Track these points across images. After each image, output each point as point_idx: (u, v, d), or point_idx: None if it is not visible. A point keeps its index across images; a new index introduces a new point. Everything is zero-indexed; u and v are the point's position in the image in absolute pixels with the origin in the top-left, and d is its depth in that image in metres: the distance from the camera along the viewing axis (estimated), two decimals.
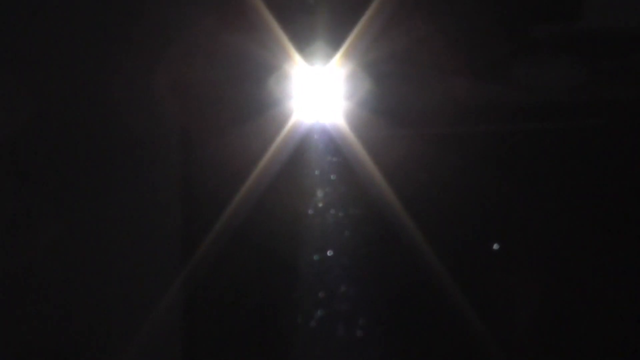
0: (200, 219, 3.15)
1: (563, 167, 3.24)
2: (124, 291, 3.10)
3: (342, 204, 3.20)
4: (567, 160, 3.27)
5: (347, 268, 3.15)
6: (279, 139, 3.27)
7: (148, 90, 3.09)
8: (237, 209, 3.21)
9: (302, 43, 3.23)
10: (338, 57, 3.28)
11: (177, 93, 3.16)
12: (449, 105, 3.19)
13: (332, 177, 3.24)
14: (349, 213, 3.21)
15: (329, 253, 3.16)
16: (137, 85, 3.07)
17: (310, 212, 3.23)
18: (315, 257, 3.16)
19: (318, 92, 3.31)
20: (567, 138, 3.28)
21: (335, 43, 3.25)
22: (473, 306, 2.97)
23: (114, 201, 3.11)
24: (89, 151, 3.09)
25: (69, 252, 3.08)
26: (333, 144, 3.27)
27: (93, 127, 3.08)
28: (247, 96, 3.21)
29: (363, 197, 3.18)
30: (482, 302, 2.98)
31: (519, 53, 3.33)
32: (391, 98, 3.21)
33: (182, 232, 3.14)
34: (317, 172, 3.27)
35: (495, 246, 3.12)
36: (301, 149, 3.26)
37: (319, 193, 3.24)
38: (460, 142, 3.20)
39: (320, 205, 3.23)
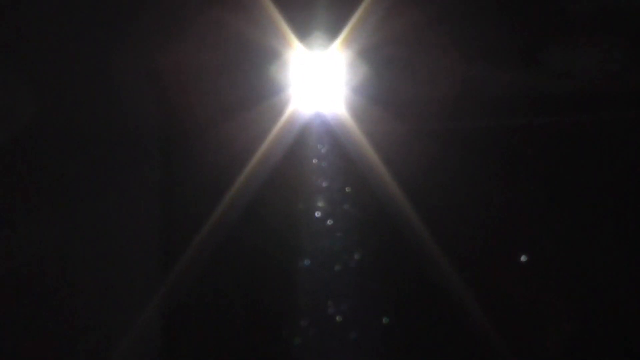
0: (182, 225, 3.05)
1: (599, 166, 3.07)
2: (100, 300, 3.00)
3: (344, 205, 3.10)
4: (604, 158, 3.09)
5: (346, 273, 3.06)
6: (275, 132, 3.12)
7: (126, 81, 2.98)
8: (224, 213, 3.08)
9: (300, 26, 3.09)
10: (339, 41, 3.11)
11: (159, 82, 3.05)
12: (465, 96, 3.01)
13: (333, 175, 3.14)
14: (352, 215, 3.11)
15: (324, 259, 3.09)
16: (115, 76, 3.01)
17: (308, 214, 3.12)
18: (308, 263, 3.07)
19: (318, 81, 3.17)
20: (604, 132, 3.09)
21: (336, 26, 3.09)
22: (481, 305, 2.90)
23: (91, 206, 3.04)
24: (60, 152, 3.01)
25: (47, 257, 3.00)
26: (334, 138, 3.15)
27: (69, 125, 3.02)
28: (239, 86, 3.09)
29: (367, 198, 3.07)
30: (492, 302, 2.90)
31: (549, 34, 3.12)
32: (398, 89, 3.06)
33: (162, 239, 3.05)
34: (316, 171, 3.16)
35: (523, 258, 2.97)
36: (299, 144, 3.13)
37: (318, 194, 3.14)
38: (476, 138, 3.05)
39: (319, 206, 3.12)
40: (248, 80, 3.09)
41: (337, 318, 3.01)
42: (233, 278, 3.10)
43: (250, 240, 3.08)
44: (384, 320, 2.96)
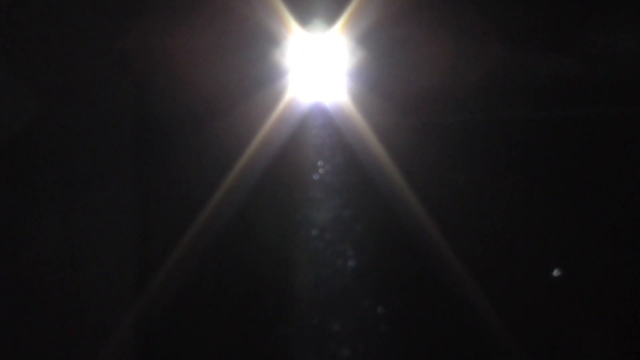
0: (162, 231, 2.90)
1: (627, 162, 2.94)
2: (73, 312, 2.88)
3: (345, 203, 2.95)
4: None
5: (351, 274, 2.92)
6: (270, 125, 2.96)
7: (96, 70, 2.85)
8: (211, 217, 2.92)
9: (298, 7, 2.95)
10: (341, 24, 2.96)
11: (134, 70, 2.91)
12: (480, 86, 2.87)
13: (334, 171, 2.98)
14: (353, 216, 2.95)
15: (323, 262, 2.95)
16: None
17: (305, 215, 2.97)
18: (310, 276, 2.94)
19: (317, 68, 3.02)
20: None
21: (337, 7, 2.94)
22: (491, 305, 2.81)
23: (60, 213, 2.90)
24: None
25: (15, 268, 2.88)
26: (335, 131, 2.99)
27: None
28: (230, 74, 2.95)
29: (371, 195, 2.92)
30: (502, 301, 2.80)
31: (585, 15, 2.94)
32: (404, 77, 2.91)
33: (140, 246, 2.91)
34: (314, 167, 3.01)
35: (556, 272, 2.89)
36: (296, 138, 2.98)
37: (317, 192, 2.98)
38: (486, 131, 2.91)
39: (318, 206, 2.97)
40: (240, 67, 2.96)
41: (336, 326, 2.91)
42: (225, 283, 2.98)
43: (241, 245, 2.96)
44: (379, 309, 2.86)
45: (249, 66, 2.97)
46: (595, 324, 2.85)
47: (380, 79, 2.94)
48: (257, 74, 2.97)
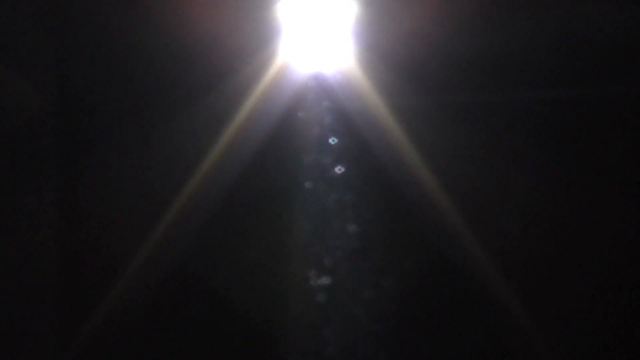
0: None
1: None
2: None
3: (347, 195, 2.76)
4: None
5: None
6: (259, 100, 2.69)
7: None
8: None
9: None
10: None
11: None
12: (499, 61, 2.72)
13: (335, 154, 2.76)
14: (357, 204, 2.76)
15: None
16: None
17: (302, 204, 2.76)
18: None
19: (314, 26, 2.76)
20: None
21: None
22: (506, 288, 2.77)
23: None
24: None
25: None
26: (336, 106, 2.75)
27: None
28: (196, 33, 2.64)
29: (379, 182, 2.75)
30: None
31: None
32: (417, 46, 2.67)
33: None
34: (312, 148, 2.76)
35: None
36: (290, 115, 2.73)
37: (314, 178, 2.75)
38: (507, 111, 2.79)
39: (315, 194, 2.75)
40: (210, 26, 2.67)
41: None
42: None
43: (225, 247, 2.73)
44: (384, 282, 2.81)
45: (224, 25, 2.69)
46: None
47: (391, 41, 2.70)
48: (236, 36, 2.70)
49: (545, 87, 2.84)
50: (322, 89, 2.78)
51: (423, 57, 2.71)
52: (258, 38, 2.73)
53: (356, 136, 2.75)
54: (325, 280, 2.81)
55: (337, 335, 2.82)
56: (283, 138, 2.75)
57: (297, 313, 2.79)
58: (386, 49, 2.73)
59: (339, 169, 2.79)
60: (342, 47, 2.78)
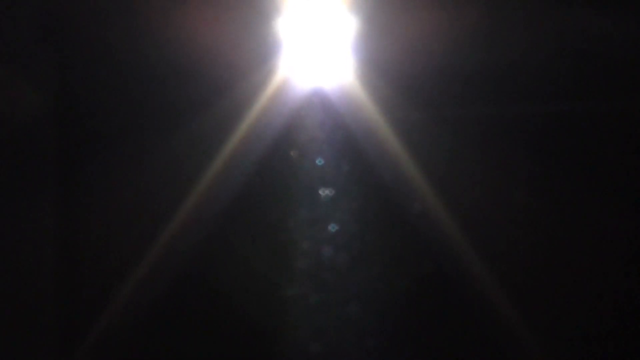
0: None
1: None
2: None
3: (347, 210, 2.77)
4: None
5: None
6: (258, 116, 2.70)
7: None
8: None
9: None
10: None
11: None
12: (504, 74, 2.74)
13: (335, 172, 2.78)
14: (357, 220, 2.78)
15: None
16: None
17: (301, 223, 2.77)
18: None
19: (315, 42, 2.77)
20: None
21: None
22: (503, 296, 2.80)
23: None
24: None
25: None
26: (337, 122, 2.77)
27: None
28: (199, 49, 2.65)
29: (378, 198, 2.78)
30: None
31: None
32: (419, 62, 2.69)
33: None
34: (312, 165, 2.77)
35: None
36: (291, 131, 2.75)
37: (313, 196, 2.77)
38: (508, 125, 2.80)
39: (315, 210, 2.77)
40: (211, 42, 2.67)
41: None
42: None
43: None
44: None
45: (224, 40, 2.69)
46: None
47: (390, 56, 2.71)
48: (236, 51, 2.70)
49: (543, 101, 2.86)
50: (322, 104, 2.77)
51: (422, 72, 2.70)
52: (258, 53, 2.73)
53: (356, 150, 2.73)
54: (322, 296, 2.77)
55: (336, 336, 2.79)
56: (283, 152, 2.75)
57: (297, 316, 2.76)
58: (385, 63, 2.72)
59: (331, 191, 2.77)
60: (341, 62, 2.77)
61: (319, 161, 2.78)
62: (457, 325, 2.82)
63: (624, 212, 2.84)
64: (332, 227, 2.81)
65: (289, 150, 2.80)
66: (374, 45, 2.75)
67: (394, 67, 2.72)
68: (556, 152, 2.87)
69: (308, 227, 2.83)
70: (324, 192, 2.81)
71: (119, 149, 2.63)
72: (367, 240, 2.86)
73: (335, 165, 2.83)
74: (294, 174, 2.82)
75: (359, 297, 2.83)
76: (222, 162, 2.75)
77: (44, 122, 2.62)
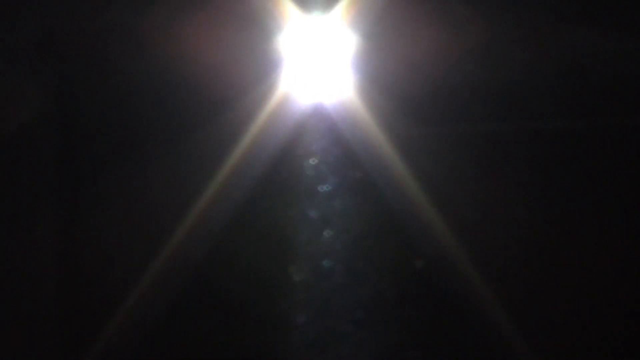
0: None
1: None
2: None
3: (348, 227, 2.79)
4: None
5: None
6: (259, 133, 2.73)
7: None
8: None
9: None
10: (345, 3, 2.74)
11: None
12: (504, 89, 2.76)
13: (336, 189, 2.80)
14: (357, 234, 2.79)
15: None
16: None
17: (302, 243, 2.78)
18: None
19: (316, 58, 2.81)
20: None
21: None
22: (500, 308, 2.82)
23: None
24: None
25: None
26: (337, 139, 2.80)
27: None
28: (198, 65, 2.69)
29: (378, 214, 2.79)
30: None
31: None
32: (419, 79, 2.72)
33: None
34: (313, 183, 2.80)
35: None
36: (291, 148, 2.79)
37: (315, 215, 2.77)
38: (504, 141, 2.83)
39: (317, 229, 2.78)
40: (211, 58, 2.71)
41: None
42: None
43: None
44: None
45: (224, 56, 2.73)
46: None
47: (392, 73, 2.73)
48: (236, 67, 2.74)
49: (545, 119, 2.88)
50: (322, 121, 2.79)
51: (423, 89, 2.71)
52: (259, 69, 2.74)
53: (357, 167, 2.75)
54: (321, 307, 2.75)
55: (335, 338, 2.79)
56: (283, 169, 2.75)
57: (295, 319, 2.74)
58: (387, 80, 2.73)
59: (331, 205, 2.77)
60: (342, 78, 2.79)
61: (322, 187, 2.77)
62: (454, 331, 2.82)
63: (624, 230, 2.87)
64: (333, 241, 2.83)
65: (290, 166, 2.77)
66: (375, 62, 2.75)
67: (394, 83, 2.72)
68: (557, 169, 2.89)
69: (309, 242, 2.79)
70: (325, 207, 2.77)
71: (122, 162, 2.63)
72: (368, 256, 2.80)
73: (335, 181, 2.81)
74: (295, 188, 2.79)
75: (363, 306, 2.82)
76: (223, 177, 2.73)
77: (46, 129, 2.62)
